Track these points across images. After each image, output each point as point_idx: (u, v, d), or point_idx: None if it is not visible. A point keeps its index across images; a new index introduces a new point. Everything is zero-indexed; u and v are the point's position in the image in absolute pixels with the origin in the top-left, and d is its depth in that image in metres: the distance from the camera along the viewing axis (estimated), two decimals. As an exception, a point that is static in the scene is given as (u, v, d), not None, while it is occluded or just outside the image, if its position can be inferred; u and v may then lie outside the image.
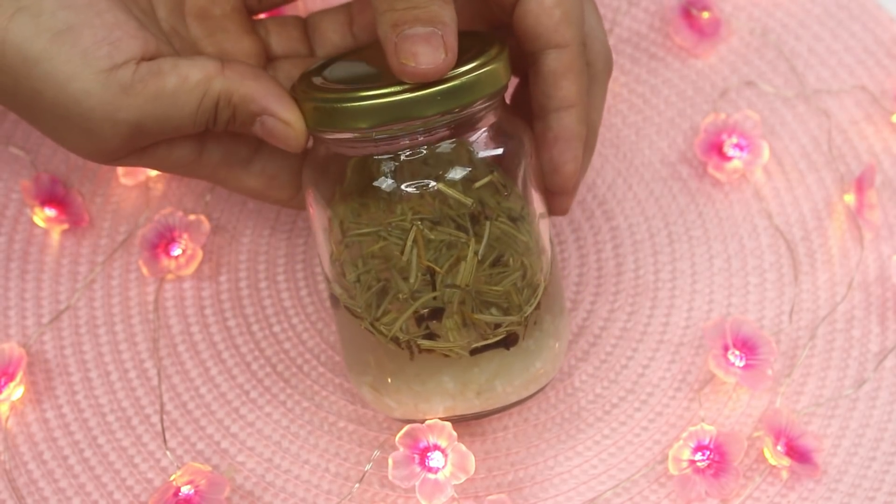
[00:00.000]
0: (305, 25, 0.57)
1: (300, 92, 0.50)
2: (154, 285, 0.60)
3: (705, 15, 0.64)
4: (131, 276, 0.60)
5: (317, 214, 0.52)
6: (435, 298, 0.50)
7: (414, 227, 0.49)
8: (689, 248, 0.61)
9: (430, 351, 0.51)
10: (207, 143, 0.52)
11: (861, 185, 0.60)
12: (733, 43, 0.65)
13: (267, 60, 0.56)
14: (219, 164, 0.53)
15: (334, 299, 0.53)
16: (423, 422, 0.52)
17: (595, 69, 0.53)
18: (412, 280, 0.50)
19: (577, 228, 0.61)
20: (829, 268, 0.60)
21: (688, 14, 0.65)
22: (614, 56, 0.65)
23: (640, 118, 0.64)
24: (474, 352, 0.51)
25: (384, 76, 0.48)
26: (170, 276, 0.60)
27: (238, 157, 0.53)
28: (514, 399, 0.53)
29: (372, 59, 0.52)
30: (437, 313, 0.50)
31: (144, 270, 0.59)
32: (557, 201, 0.54)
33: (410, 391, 0.52)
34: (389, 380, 0.52)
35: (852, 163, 0.63)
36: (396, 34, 0.48)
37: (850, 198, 0.61)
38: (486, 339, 0.51)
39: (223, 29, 0.54)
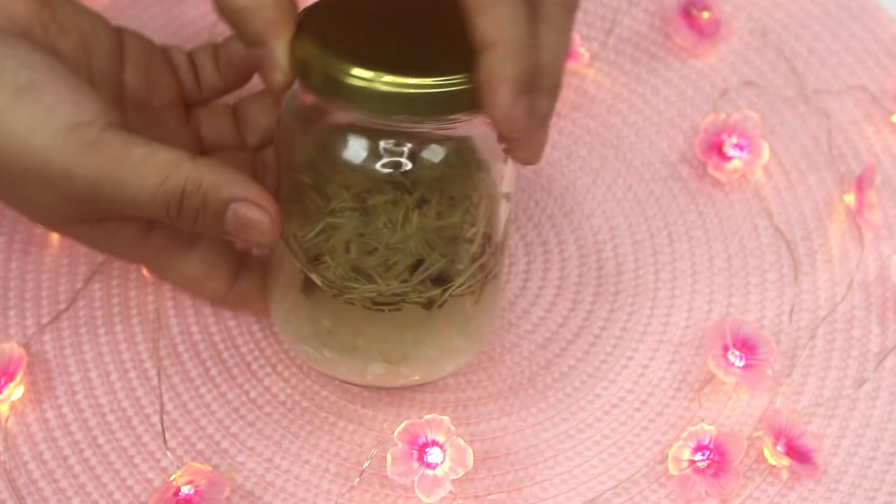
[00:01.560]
0: (235, 113, 0.56)
1: (342, 71, 0.46)
2: (154, 286, 0.60)
3: (705, 15, 0.65)
4: (131, 276, 0.60)
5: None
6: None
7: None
8: (689, 248, 0.61)
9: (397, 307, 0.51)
10: (155, 225, 0.51)
11: (861, 185, 0.60)
12: (733, 43, 0.65)
13: (200, 153, 0.55)
14: (163, 245, 0.52)
15: (309, 283, 0.52)
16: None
17: (541, 1, 0.46)
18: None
19: (576, 228, 0.61)
20: (829, 268, 0.60)
21: (688, 14, 0.65)
22: (614, 56, 0.65)
23: (640, 118, 0.64)
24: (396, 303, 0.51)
25: (395, 40, 0.46)
26: (170, 277, 0.60)
27: (181, 240, 0.52)
28: (419, 375, 0.54)
29: (353, 10, 0.49)
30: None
31: (144, 271, 0.59)
32: (517, 151, 0.48)
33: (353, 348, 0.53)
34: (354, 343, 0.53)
35: (852, 163, 0.63)
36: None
37: (850, 198, 0.61)
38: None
39: (160, 120, 0.54)
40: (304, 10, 0.48)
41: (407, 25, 0.48)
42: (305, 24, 0.48)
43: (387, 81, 0.46)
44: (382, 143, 0.48)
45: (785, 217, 0.61)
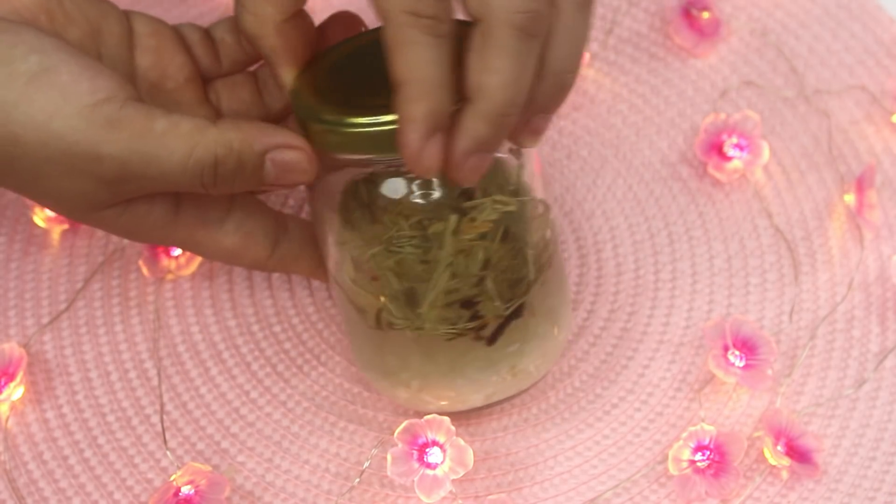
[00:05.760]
0: (256, 80, 0.55)
1: (311, 114, 0.48)
2: (154, 286, 0.60)
3: (705, 15, 0.65)
4: (131, 277, 0.60)
5: (329, 242, 0.52)
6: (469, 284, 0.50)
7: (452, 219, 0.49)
8: (689, 248, 0.61)
9: (461, 335, 0.51)
10: (183, 202, 0.51)
11: (861, 185, 0.60)
12: (733, 43, 0.65)
13: None
14: (195, 224, 0.51)
15: (355, 317, 0.53)
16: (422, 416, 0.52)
17: (488, 24, 0.45)
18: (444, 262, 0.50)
19: (577, 228, 0.61)
20: (829, 268, 0.60)
21: (688, 14, 0.65)
22: (614, 56, 0.65)
23: (640, 118, 0.64)
24: (509, 318, 0.51)
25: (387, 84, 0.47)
26: (170, 276, 0.60)
27: (213, 215, 0.52)
28: (543, 371, 0.54)
29: (365, 57, 0.50)
30: (469, 304, 0.51)
31: (145, 270, 0.59)
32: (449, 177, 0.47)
33: (454, 386, 0.53)
34: (429, 378, 0.53)
35: (852, 163, 0.63)
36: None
37: (850, 198, 0.61)
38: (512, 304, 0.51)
39: (175, 102, 0.53)
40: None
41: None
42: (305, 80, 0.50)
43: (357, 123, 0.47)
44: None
45: (785, 217, 0.61)
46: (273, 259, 0.54)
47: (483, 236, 0.50)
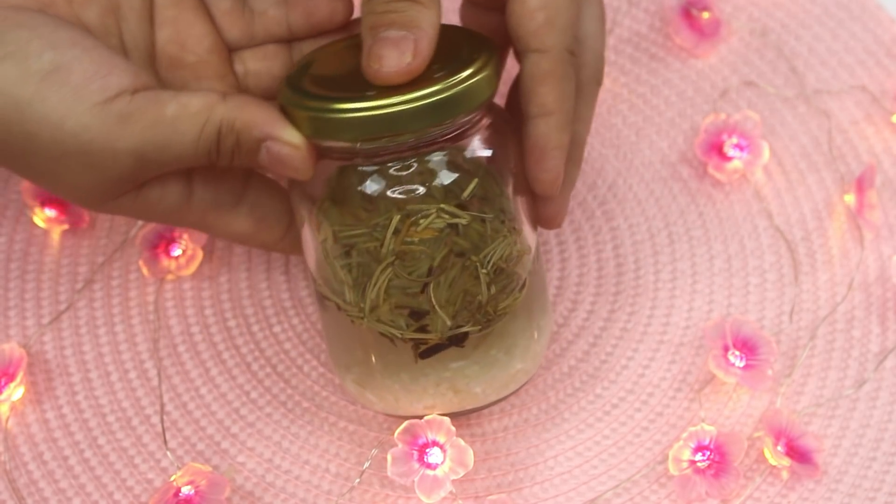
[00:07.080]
0: (290, 53, 0.55)
1: (288, 98, 0.49)
2: (154, 286, 0.60)
3: (705, 15, 0.65)
4: (131, 277, 0.60)
5: (302, 216, 0.52)
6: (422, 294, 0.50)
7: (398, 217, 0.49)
8: (689, 249, 0.61)
9: (421, 343, 0.51)
10: (195, 186, 0.51)
11: (861, 185, 0.60)
12: (733, 43, 0.65)
13: None
14: (207, 207, 0.52)
15: (321, 298, 0.53)
16: (421, 417, 0.52)
17: (581, 79, 0.52)
18: (386, 252, 0.49)
19: (577, 228, 0.61)
20: (829, 268, 0.60)
21: (688, 14, 0.65)
22: (614, 56, 0.65)
23: (641, 118, 0.64)
24: (453, 340, 0.51)
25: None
26: (170, 277, 0.60)
27: (225, 199, 0.52)
28: (492, 398, 0.53)
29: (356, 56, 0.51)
30: (417, 315, 0.51)
31: (145, 271, 0.59)
32: (544, 212, 0.53)
33: (391, 389, 0.52)
34: (375, 376, 0.53)
35: (852, 163, 0.63)
36: (372, 37, 0.47)
37: (850, 198, 0.61)
38: (462, 327, 0.51)
39: (196, 77, 0.53)
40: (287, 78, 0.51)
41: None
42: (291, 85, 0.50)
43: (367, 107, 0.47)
44: (394, 170, 0.49)
45: (785, 217, 0.61)
46: (285, 241, 0.54)
47: (433, 243, 0.49)
